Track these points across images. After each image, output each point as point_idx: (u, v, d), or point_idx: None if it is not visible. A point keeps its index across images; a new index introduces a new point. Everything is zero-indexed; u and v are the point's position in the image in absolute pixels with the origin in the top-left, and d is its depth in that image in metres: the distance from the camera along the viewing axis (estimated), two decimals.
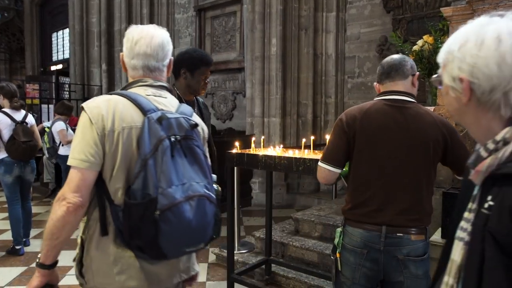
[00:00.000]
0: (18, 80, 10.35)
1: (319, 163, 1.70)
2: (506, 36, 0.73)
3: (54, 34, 10.31)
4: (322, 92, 5.79)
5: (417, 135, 1.59)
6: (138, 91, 1.23)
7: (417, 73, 1.71)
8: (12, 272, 3.50)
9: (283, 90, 5.61)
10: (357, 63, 5.67)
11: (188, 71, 2.24)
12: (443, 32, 2.92)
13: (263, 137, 2.89)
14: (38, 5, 10.50)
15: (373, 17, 5.47)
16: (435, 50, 2.88)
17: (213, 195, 1.22)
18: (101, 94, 8.06)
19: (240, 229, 4.29)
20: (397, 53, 4.12)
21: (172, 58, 1.34)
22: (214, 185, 1.26)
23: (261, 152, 2.67)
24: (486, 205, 0.75)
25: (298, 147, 2.72)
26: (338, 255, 1.67)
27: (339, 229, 1.72)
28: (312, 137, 2.65)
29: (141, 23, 6.05)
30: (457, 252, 0.82)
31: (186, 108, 1.29)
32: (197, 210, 1.14)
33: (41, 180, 6.56)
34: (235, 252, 3.60)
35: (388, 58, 1.71)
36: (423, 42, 2.91)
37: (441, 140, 1.61)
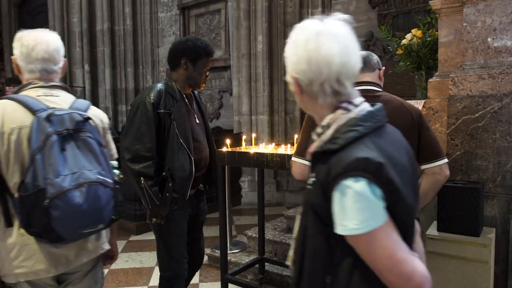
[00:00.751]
0: None
1: (293, 158, 1.64)
2: (313, 37, 0.85)
3: None
4: None
5: (390, 122, 1.59)
6: (29, 93, 1.36)
7: (383, 68, 1.74)
8: None
9: (270, 88, 5.58)
10: None
11: (190, 61, 2.03)
12: (431, 26, 2.92)
13: (254, 134, 2.83)
14: (16, 6, 10.21)
15: (359, 13, 5.48)
16: (424, 43, 2.88)
17: (109, 180, 1.34)
18: (84, 95, 7.91)
19: (231, 229, 4.24)
20: (383, 48, 4.12)
21: (66, 59, 1.49)
22: (116, 171, 1.44)
23: (253, 149, 2.62)
24: (309, 181, 0.89)
25: (290, 143, 2.68)
26: None
27: None
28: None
29: (124, 23, 5.96)
30: (296, 226, 0.95)
31: (81, 103, 1.43)
32: (88, 195, 1.26)
33: None
34: (228, 252, 3.57)
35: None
36: (412, 36, 2.91)
37: (412, 123, 1.61)
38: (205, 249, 3.67)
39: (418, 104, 2.71)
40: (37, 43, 1.36)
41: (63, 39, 7.66)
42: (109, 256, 1.64)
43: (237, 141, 3.34)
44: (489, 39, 2.23)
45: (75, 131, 1.30)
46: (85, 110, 1.40)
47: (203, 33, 7.30)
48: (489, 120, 2.18)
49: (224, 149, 2.70)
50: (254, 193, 5.47)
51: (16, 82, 8.99)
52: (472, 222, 1.96)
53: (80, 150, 1.30)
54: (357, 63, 0.88)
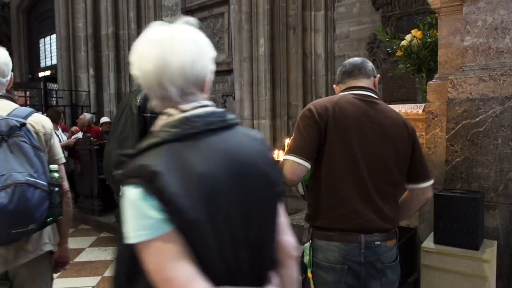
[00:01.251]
0: None
1: (286, 156, 1.49)
2: (140, 43, 0.83)
3: (42, 40, 10.15)
4: (312, 92, 5.65)
5: (389, 131, 1.51)
6: None
7: (378, 75, 1.67)
8: None
9: (272, 91, 5.48)
10: None
11: None
12: (431, 26, 2.80)
13: None
14: (25, 11, 10.33)
15: (362, 15, 5.35)
16: (424, 44, 2.76)
17: (41, 182, 1.39)
18: (89, 99, 7.93)
19: None
20: (387, 50, 3.94)
21: (12, 73, 1.58)
22: (56, 174, 1.49)
23: None
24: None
25: (282, 148, 2.57)
26: (310, 274, 1.48)
27: (307, 245, 1.52)
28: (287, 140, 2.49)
29: (128, 27, 5.91)
30: None
31: (21, 111, 1.50)
32: (13, 196, 1.29)
33: None
34: None
35: (350, 60, 1.67)
36: (412, 37, 2.79)
37: (408, 137, 1.55)
38: None
39: (418, 107, 2.59)
40: None
41: (68, 43, 7.71)
42: (61, 263, 1.65)
43: None
44: (490, 39, 2.10)
45: (9, 136, 1.37)
46: (24, 117, 1.47)
47: (207, 36, 7.22)
48: (490, 124, 2.05)
49: None
50: None
51: (22, 86, 9.08)
52: (471, 234, 1.83)
53: (12, 153, 1.35)
54: (187, 68, 0.81)
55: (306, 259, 1.50)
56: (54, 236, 1.59)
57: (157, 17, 7.97)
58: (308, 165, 1.46)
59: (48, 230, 1.55)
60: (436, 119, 2.39)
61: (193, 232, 0.73)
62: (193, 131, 0.80)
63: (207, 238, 0.74)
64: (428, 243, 1.96)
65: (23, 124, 1.43)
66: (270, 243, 0.88)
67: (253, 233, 0.82)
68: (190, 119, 0.81)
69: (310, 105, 1.53)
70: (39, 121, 1.54)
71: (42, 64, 10.37)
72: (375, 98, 1.57)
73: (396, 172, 1.51)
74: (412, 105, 2.70)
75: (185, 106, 0.83)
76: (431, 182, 1.60)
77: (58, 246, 1.62)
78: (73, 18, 7.91)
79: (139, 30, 7.84)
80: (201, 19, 7.33)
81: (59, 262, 1.64)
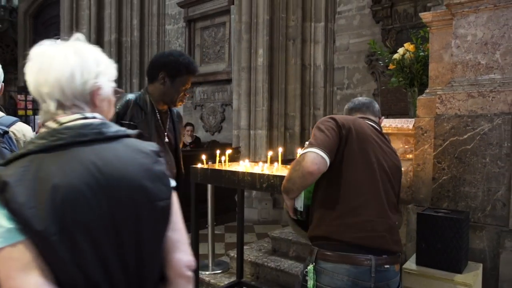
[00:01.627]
0: (10, 92, 10.26)
1: (308, 149, 1.38)
2: (29, 59, 0.85)
3: None
4: (310, 103, 5.60)
5: (393, 157, 1.58)
6: None
7: (383, 117, 1.81)
8: None
9: (270, 102, 5.44)
10: (346, 74, 5.51)
11: (168, 76, 1.94)
12: (424, 40, 2.74)
13: (229, 151, 2.66)
14: (31, 17, 10.45)
15: (362, 27, 5.32)
16: (417, 58, 2.70)
17: None
18: None
19: (219, 247, 4.07)
20: (383, 63, 3.88)
21: (3, 84, 1.63)
22: None
23: (226, 167, 2.47)
24: None
25: (266, 161, 2.52)
26: None
27: (310, 268, 1.40)
28: (280, 149, 2.44)
29: (131, 34, 6.02)
30: None
31: (5, 119, 1.59)
32: None
33: None
34: (207, 272, 3.39)
35: (358, 98, 1.79)
36: (404, 50, 2.73)
37: (400, 173, 1.65)
38: None
39: (409, 122, 2.53)
40: None
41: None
42: None
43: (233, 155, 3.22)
44: (479, 54, 2.04)
45: None
46: (8, 125, 1.56)
47: (208, 45, 7.26)
48: (478, 142, 1.98)
49: (199, 165, 2.56)
50: (250, 209, 5.30)
51: (25, 90, 9.12)
52: (454, 256, 1.75)
53: None
54: (65, 82, 0.84)
55: (310, 283, 1.39)
56: None
57: (160, 25, 8.02)
58: (329, 161, 1.39)
59: None
60: (425, 135, 2.32)
61: (43, 243, 0.73)
62: (59, 143, 0.81)
63: (58, 250, 0.74)
64: (410, 264, 1.88)
65: (6, 132, 1.52)
66: (153, 261, 0.85)
67: (127, 248, 0.80)
68: (59, 131, 0.83)
69: (332, 116, 1.54)
70: (21, 130, 1.65)
71: None
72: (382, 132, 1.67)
73: (397, 194, 1.60)
74: (403, 119, 2.64)
75: (62, 119, 0.85)
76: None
77: None
78: (77, 24, 7.96)
79: (141, 38, 7.89)
80: (202, 28, 7.36)
81: None
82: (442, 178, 2.09)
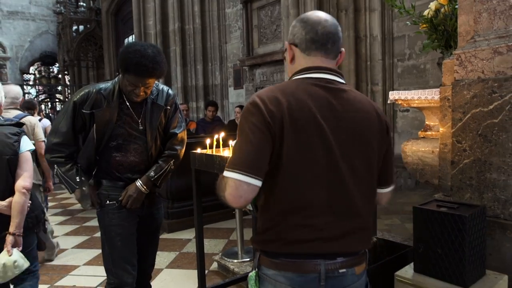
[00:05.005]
0: None
1: (229, 174, 1.07)
2: None
3: (126, 40, 10.97)
4: (367, 79, 5.07)
5: (360, 129, 1.14)
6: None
7: (343, 50, 1.22)
8: None
9: None
10: (407, 43, 4.83)
11: (121, 69, 1.89)
12: None
13: (222, 134, 2.44)
14: (112, 14, 11.27)
15: None
16: (453, 11, 2.16)
17: None
18: None
19: (249, 233, 3.93)
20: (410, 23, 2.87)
21: (23, 98, 2.89)
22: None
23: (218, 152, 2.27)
24: None
25: None
26: None
27: (252, 274, 1.18)
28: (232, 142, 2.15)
29: (193, 21, 6.30)
30: None
31: (21, 115, 2.79)
32: None
33: None
34: (236, 260, 3.27)
35: (321, 20, 1.17)
36: (437, 3, 2.21)
37: (382, 138, 1.18)
38: (215, 255, 3.45)
39: (433, 93, 2.05)
40: (9, 91, 3.15)
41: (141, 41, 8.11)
42: None
43: None
44: None
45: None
46: (20, 118, 2.89)
47: (265, 25, 7.01)
48: (508, 114, 1.48)
49: (198, 150, 2.41)
50: None
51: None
52: (457, 265, 1.34)
53: None
54: None
55: None
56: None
57: (220, 9, 8.00)
58: (259, 183, 1.08)
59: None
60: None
61: None
62: None
63: None
64: (406, 271, 1.50)
65: (21, 123, 2.24)
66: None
67: None
68: None
69: (256, 98, 1.10)
70: (27, 120, 3.12)
71: None
72: (342, 83, 1.17)
73: (371, 176, 1.17)
74: (434, 90, 2.14)
75: None
76: (392, 187, 1.27)
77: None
78: (144, 17, 8.34)
79: (203, 24, 7.96)
80: (259, 8, 7.14)
81: None
82: (463, 161, 1.63)
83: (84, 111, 1.94)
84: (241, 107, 6.41)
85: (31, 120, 3.32)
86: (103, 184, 2.03)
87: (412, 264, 1.54)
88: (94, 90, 1.97)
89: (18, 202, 1.93)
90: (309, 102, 1.09)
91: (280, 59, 6.62)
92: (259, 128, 1.06)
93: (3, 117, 2.26)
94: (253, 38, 7.20)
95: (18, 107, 3.38)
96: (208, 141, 2.41)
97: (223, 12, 7.99)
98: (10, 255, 1.89)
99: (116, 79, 2.02)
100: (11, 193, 1.95)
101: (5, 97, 2.93)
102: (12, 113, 3.20)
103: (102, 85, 2.02)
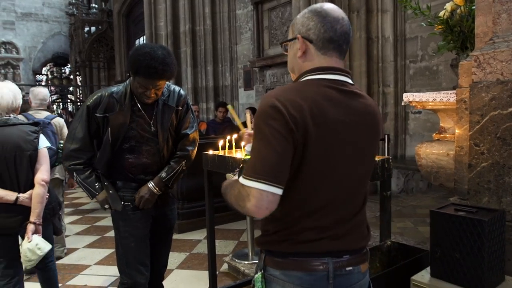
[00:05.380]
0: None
1: (253, 184, 0.99)
2: None
3: (137, 41, 11.06)
4: (379, 80, 5.04)
5: (372, 130, 1.15)
6: (31, 111, 3.43)
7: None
8: None
9: None
10: (420, 44, 4.78)
11: (131, 72, 1.89)
12: None
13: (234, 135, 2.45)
14: (124, 16, 11.36)
15: None
16: (470, 12, 2.13)
17: (53, 146, 2.79)
18: None
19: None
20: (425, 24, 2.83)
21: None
22: (62, 144, 2.91)
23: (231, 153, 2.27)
24: None
25: None
26: None
27: (258, 276, 1.15)
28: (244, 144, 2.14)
29: (204, 22, 6.45)
30: None
31: (50, 116, 3.37)
32: None
33: None
34: (246, 262, 3.27)
35: (339, 18, 1.10)
36: (453, 4, 2.18)
37: (378, 134, 1.19)
38: (225, 257, 3.45)
39: (449, 95, 2.02)
40: (38, 93, 3.54)
41: (152, 42, 8.25)
42: None
43: None
44: None
45: (44, 126, 2.67)
46: (50, 118, 3.34)
47: (276, 26, 7.01)
48: None
49: (210, 152, 2.41)
50: None
51: (118, 83, 10.02)
52: (476, 270, 1.31)
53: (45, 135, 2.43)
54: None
55: None
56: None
57: (231, 10, 8.01)
58: (282, 192, 1.02)
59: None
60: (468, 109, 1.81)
61: None
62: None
63: None
64: (423, 275, 1.47)
65: (49, 123, 3.14)
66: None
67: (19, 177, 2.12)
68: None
69: (275, 102, 1.01)
70: (56, 121, 3.47)
71: None
72: (352, 85, 1.14)
73: (368, 179, 1.21)
74: (450, 92, 2.11)
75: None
76: None
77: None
78: (155, 18, 8.39)
79: (213, 25, 7.99)
80: (270, 9, 7.14)
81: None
82: (480, 165, 1.60)
83: (97, 115, 1.95)
84: (251, 109, 6.41)
85: (59, 121, 3.57)
86: (117, 185, 2.05)
87: (428, 268, 1.52)
88: (106, 94, 1.98)
89: (38, 193, 2.10)
90: (330, 107, 1.06)
91: None
92: (282, 134, 0.99)
93: (31, 117, 2.83)
94: (263, 40, 7.21)
95: (47, 108, 3.59)
96: (221, 142, 2.41)
97: (234, 14, 8.00)
98: (29, 241, 2.05)
99: (127, 81, 2.03)
100: (31, 186, 2.12)
101: (34, 99, 3.46)
102: (43, 114, 3.39)
103: (114, 88, 2.02)
